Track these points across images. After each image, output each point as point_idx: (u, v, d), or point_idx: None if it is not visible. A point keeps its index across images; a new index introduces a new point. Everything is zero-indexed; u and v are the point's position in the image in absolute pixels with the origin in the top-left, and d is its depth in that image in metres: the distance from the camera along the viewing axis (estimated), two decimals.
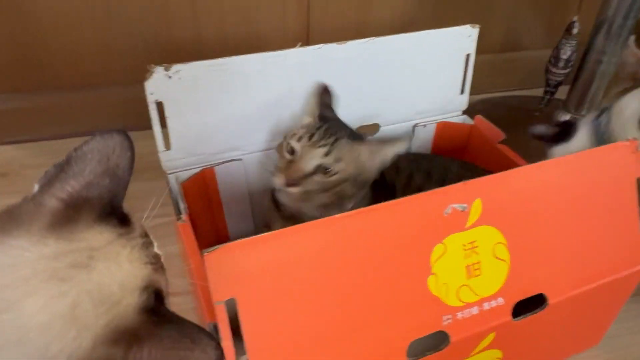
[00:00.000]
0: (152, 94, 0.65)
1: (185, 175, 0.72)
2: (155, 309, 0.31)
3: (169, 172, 0.71)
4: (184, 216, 0.61)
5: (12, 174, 0.99)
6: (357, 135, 0.70)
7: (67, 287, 0.29)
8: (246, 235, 0.44)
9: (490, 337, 0.57)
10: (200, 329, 0.31)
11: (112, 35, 0.98)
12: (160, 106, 0.66)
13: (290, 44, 0.71)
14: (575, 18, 0.97)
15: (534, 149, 0.77)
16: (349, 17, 1.07)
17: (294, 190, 0.64)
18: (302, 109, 0.75)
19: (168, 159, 0.70)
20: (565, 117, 1.06)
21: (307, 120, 0.72)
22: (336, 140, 0.65)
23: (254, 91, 0.72)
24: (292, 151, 0.66)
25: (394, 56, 0.77)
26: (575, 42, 0.99)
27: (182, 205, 0.63)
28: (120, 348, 0.29)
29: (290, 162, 0.65)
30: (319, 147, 0.64)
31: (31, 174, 0.98)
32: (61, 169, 0.33)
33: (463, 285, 0.54)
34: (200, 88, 0.68)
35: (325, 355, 0.49)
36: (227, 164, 0.75)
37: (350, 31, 1.07)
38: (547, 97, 1.07)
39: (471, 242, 0.54)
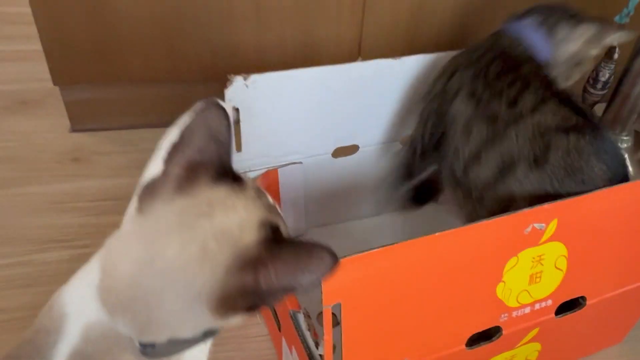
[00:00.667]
0: (230, 100, 0.73)
1: (253, 175, 0.80)
2: (274, 239, 0.38)
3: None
4: None
5: (83, 160, 1.08)
6: None
7: (195, 233, 0.37)
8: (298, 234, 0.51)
9: (535, 332, 0.65)
10: (315, 243, 0.37)
11: (181, 36, 1.05)
12: (236, 112, 0.75)
13: (344, 53, 0.79)
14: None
15: None
16: (401, 29, 1.14)
17: None
18: (357, 118, 0.83)
19: (239, 160, 0.78)
20: None
21: None
22: None
23: (315, 100, 0.79)
24: None
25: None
26: (614, 65, 1.04)
27: None
28: (249, 274, 0.36)
29: None
30: None
31: (100, 159, 1.08)
32: (177, 144, 0.40)
33: (523, 290, 0.61)
34: (272, 96, 0.76)
35: (401, 342, 0.57)
36: (289, 166, 0.83)
37: (401, 43, 1.14)
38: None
39: (540, 255, 0.60)
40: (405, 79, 0.84)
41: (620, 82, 1.05)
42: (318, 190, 0.88)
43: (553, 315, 0.63)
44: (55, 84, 1.07)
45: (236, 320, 0.40)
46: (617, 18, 0.98)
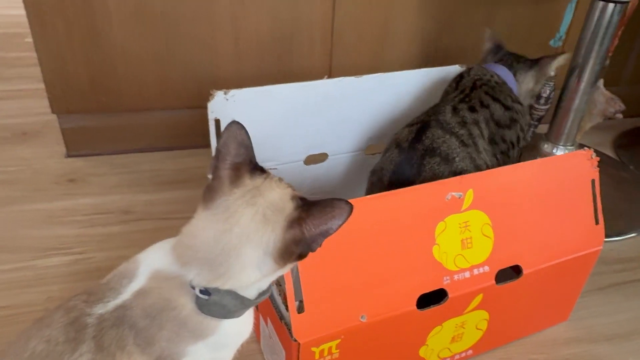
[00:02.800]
0: (212, 112, 0.84)
1: None
2: (305, 204, 0.53)
3: None
4: None
5: (79, 180, 1.18)
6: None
7: (256, 207, 0.52)
8: None
9: (479, 298, 0.74)
10: (333, 198, 0.52)
11: (170, 68, 1.18)
12: (217, 123, 0.86)
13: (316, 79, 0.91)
14: None
15: None
16: (366, 55, 1.28)
17: None
18: (327, 129, 0.95)
19: None
20: (549, 146, 1.25)
21: None
22: None
23: (288, 112, 0.91)
24: None
25: (402, 88, 0.98)
26: (553, 83, 1.18)
27: None
28: (296, 229, 0.51)
29: None
30: None
31: (94, 180, 1.18)
32: (219, 155, 0.54)
33: (458, 254, 0.71)
34: (249, 109, 0.88)
35: (356, 299, 0.66)
36: None
37: (365, 69, 1.27)
38: (532, 129, 1.26)
39: (465, 222, 0.72)
40: (368, 95, 0.96)
41: (560, 98, 1.19)
42: None
43: (493, 282, 0.73)
44: (53, 112, 1.18)
45: (289, 266, 0.54)
46: (551, 42, 1.13)
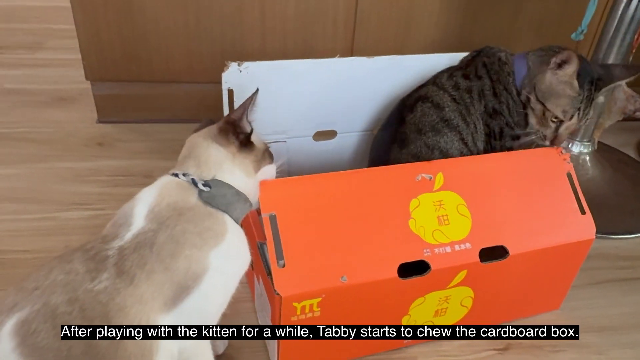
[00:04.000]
0: (226, 82, 0.89)
1: None
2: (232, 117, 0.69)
3: None
4: None
5: (106, 144, 1.26)
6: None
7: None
8: None
9: (463, 274, 0.76)
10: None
11: (198, 43, 1.24)
12: (230, 93, 0.90)
13: None
14: None
15: None
16: (388, 41, 1.30)
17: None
18: (337, 107, 0.98)
19: None
20: (565, 141, 1.24)
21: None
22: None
23: (300, 88, 0.95)
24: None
25: (415, 71, 1.00)
26: None
27: None
28: (227, 117, 0.71)
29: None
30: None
31: (120, 145, 1.26)
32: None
33: (436, 229, 0.74)
34: (262, 81, 0.92)
35: (338, 260, 0.70)
36: (275, 143, 0.98)
37: (387, 53, 1.29)
38: None
39: (439, 200, 0.75)
40: (379, 76, 0.99)
41: None
42: (300, 167, 1.02)
43: (477, 259, 0.75)
44: (87, 79, 1.26)
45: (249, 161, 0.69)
46: (573, 36, 1.12)
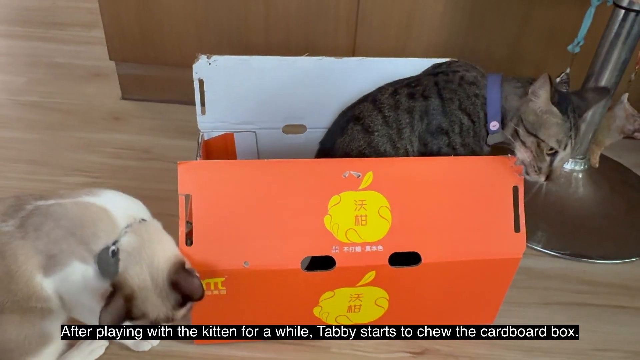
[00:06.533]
0: (196, 73, 0.97)
1: (214, 134, 1.03)
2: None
3: (201, 131, 1.02)
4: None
5: (122, 119, 1.39)
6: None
7: None
8: None
9: (372, 275, 0.79)
10: None
11: (206, 32, 1.33)
12: (201, 83, 0.98)
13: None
14: (567, 70, 1.11)
15: None
16: (389, 42, 1.32)
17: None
18: (305, 103, 1.03)
19: (202, 122, 1.01)
20: None
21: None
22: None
23: (268, 83, 1.00)
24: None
25: (384, 73, 1.01)
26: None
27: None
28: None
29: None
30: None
31: (134, 121, 1.38)
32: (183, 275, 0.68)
33: (351, 228, 0.77)
34: (229, 74, 0.98)
35: (242, 246, 0.75)
36: (244, 133, 1.04)
37: (389, 54, 1.31)
38: None
39: (361, 200, 0.77)
40: (347, 76, 1.02)
41: None
42: (270, 157, 1.08)
43: (386, 262, 0.78)
44: (110, 59, 1.39)
45: None
46: (569, 47, 1.08)
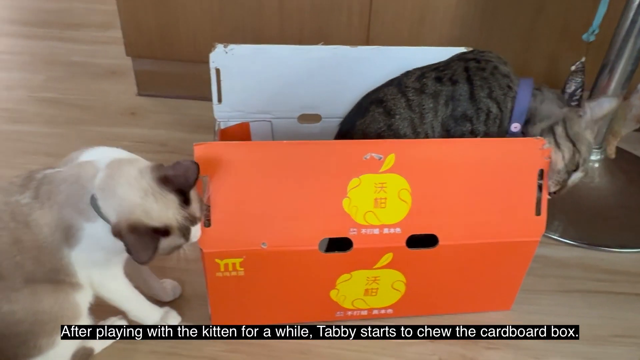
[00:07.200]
0: (213, 62, 0.98)
1: (230, 123, 1.04)
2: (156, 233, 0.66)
3: (218, 120, 1.03)
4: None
5: (138, 114, 1.40)
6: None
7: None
8: None
9: (389, 257, 0.79)
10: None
11: (220, 28, 1.34)
12: (217, 72, 0.99)
13: None
14: (583, 59, 1.11)
15: None
16: (402, 34, 1.32)
17: None
18: (320, 92, 1.03)
19: (219, 110, 1.02)
20: None
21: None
22: None
23: (283, 72, 1.01)
24: None
25: (399, 62, 1.02)
26: (580, 79, 1.12)
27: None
28: (127, 229, 0.64)
29: None
30: None
31: (150, 116, 1.40)
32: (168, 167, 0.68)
33: (369, 211, 0.77)
34: (246, 63, 0.99)
35: (260, 226, 0.76)
36: (260, 122, 1.05)
37: (403, 45, 1.31)
38: None
39: (382, 183, 0.77)
40: (362, 65, 1.02)
41: (589, 97, 1.14)
42: None
43: (404, 244, 0.78)
44: (127, 55, 1.41)
45: None
46: (584, 36, 1.08)
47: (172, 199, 0.65)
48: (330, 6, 1.30)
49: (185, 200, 0.67)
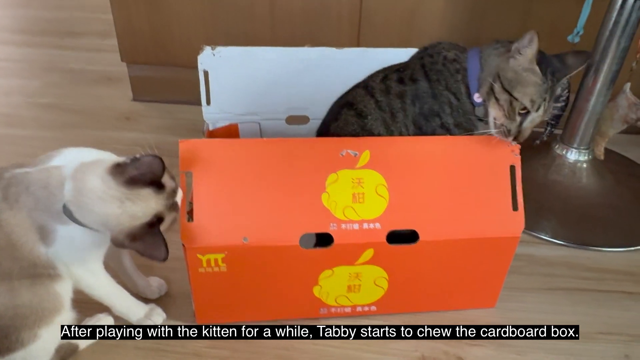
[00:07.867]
0: (201, 64, 1.00)
1: (219, 125, 1.05)
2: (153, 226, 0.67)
3: (206, 121, 1.04)
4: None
5: (132, 119, 1.43)
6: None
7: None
8: None
9: (370, 253, 0.80)
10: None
11: (214, 32, 1.36)
12: (206, 74, 1.00)
13: None
14: None
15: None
16: (392, 37, 1.34)
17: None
18: (308, 94, 1.05)
19: (207, 112, 1.04)
20: (561, 148, 1.20)
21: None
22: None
23: (271, 73, 1.03)
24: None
25: (385, 64, 1.03)
26: (567, 80, 1.13)
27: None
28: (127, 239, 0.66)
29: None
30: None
31: (144, 120, 1.42)
32: (133, 160, 0.66)
33: (348, 206, 0.78)
34: (234, 65, 1.01)
35: (242, 222, 0.77)
36: (248, 124, 1.07)
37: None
38: (548, 128, 1.22)
39: (359, 178, 0.79)
40: (348, 66, 1.03)
41: (576, 97, 1.15)
42: None
43: (384, 239, 0.78)
44: (122, 60, 1.44)
45: None
46: (569, 38, 1.09)
47: (147, 192, 0.66)
48: (320, 11, 1.32)
49: (158, 185, 0.68)
